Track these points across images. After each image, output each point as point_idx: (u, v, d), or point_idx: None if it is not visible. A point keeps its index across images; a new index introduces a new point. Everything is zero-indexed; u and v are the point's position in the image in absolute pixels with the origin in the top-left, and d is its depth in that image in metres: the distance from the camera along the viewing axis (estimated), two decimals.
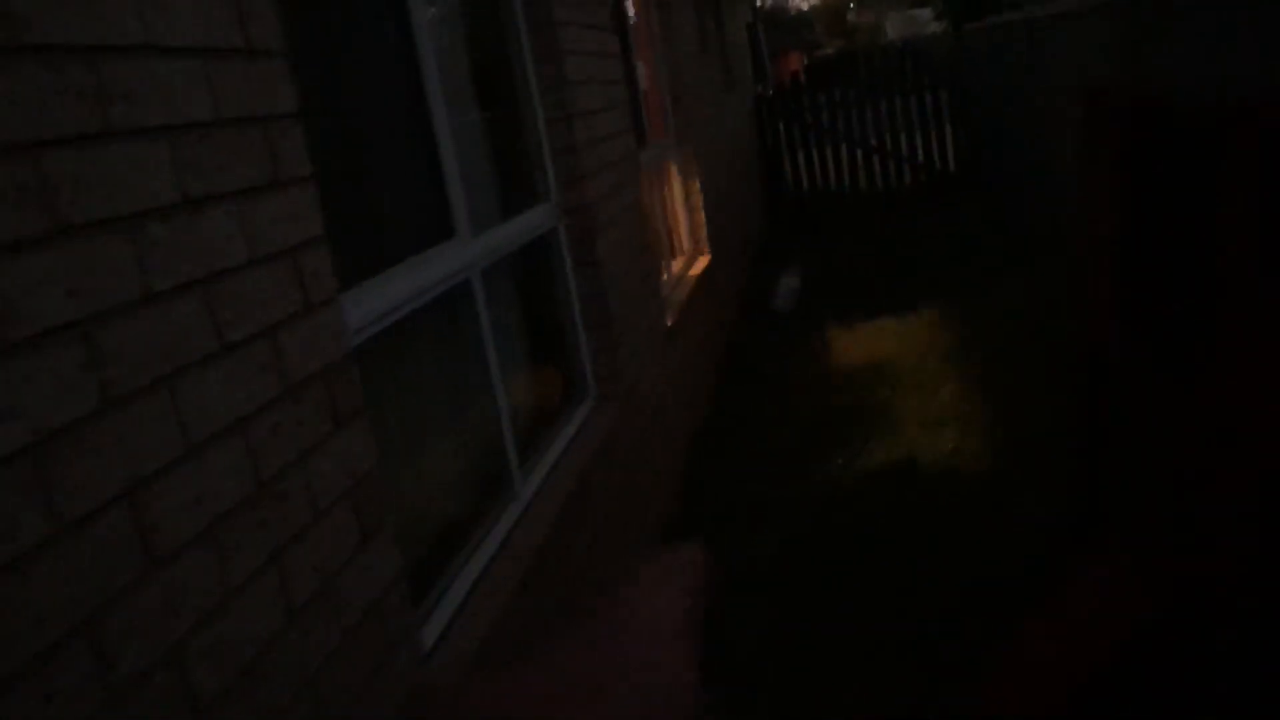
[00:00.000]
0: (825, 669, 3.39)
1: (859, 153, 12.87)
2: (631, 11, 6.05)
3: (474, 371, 3.01)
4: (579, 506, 3.30)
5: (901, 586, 3.80)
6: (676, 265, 6.50)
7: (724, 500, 4.88)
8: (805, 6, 54.60)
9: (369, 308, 2.29)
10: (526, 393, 3.49)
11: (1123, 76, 5.73)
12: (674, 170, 6.74)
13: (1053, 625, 2.75)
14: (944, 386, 5.84)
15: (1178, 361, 2.35)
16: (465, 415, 3.00)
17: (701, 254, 7.04)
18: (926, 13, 30.93)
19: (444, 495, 2.82)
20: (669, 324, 5.28)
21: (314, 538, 1.73)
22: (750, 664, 3.50)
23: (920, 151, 12.76)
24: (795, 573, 4.08)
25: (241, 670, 1.50)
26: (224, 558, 1.49)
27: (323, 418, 1.81)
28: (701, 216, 7.06)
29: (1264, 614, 2.07)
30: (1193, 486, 2.26)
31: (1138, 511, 2.99)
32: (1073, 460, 3.58)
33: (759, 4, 16.83)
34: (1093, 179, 2.95)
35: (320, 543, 1.75)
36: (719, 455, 5.44)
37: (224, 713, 1.45)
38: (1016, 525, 4.05)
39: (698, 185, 7.01)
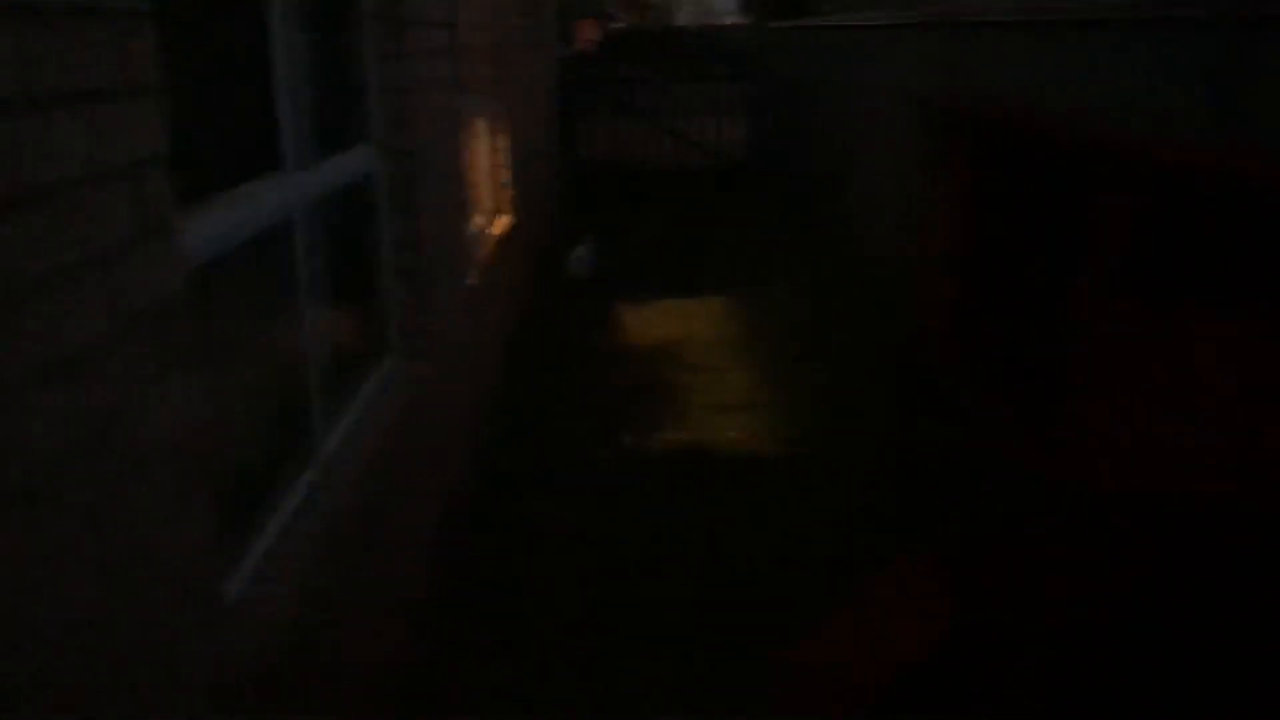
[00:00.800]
0: (614, 660, 3.37)
1: (654, 130, 12.97)
2: None
3: (284, 318, 2.78)
4: (384, 463, 3.14)
5: (694, 576, 3.83)
6: (480, 223, 6.31)
7: (516, 469, 4.78)
8: None
9: (195, 239, 2.05)
10: (335, 343, 3.28)
11: (941, 88, 5.97)
12: (484, 126, 6.54)
13: (855, 624, 2.81)
14: (732, 372, 5.95)
15: (1020, 371, 2.44)
16: (273, 365, 2.77)
17: (504, 213, 6.88)
18: (727, 1, 31.57)
19: (247, 448, 2.60)
20: (472, 282, 5.12)
21: (134, 494, 1.53)
22: (544, 641, 3.43)
23: (715, 137, 12.99)
24: (581, 557, 4.04)
25: (43, 642, 1.30)
26: (34, 513, 1.29)
27: (155, 360, 1.60)
28: (507, 175, 6.89)
29: (1081, 622, 2.18)
30: (1025, 495, 2.36)
31: (956, 512, 3.10)
32: (888, 455, 3.69)
33: None
34: (937, 189, 3.02)
35: (139, 500, 1.55)
36: (514, 421, 5.33)
37: (25, 689, 1.25)
38: (816, 518, 4.16)
39: (506, 144, 6.84)
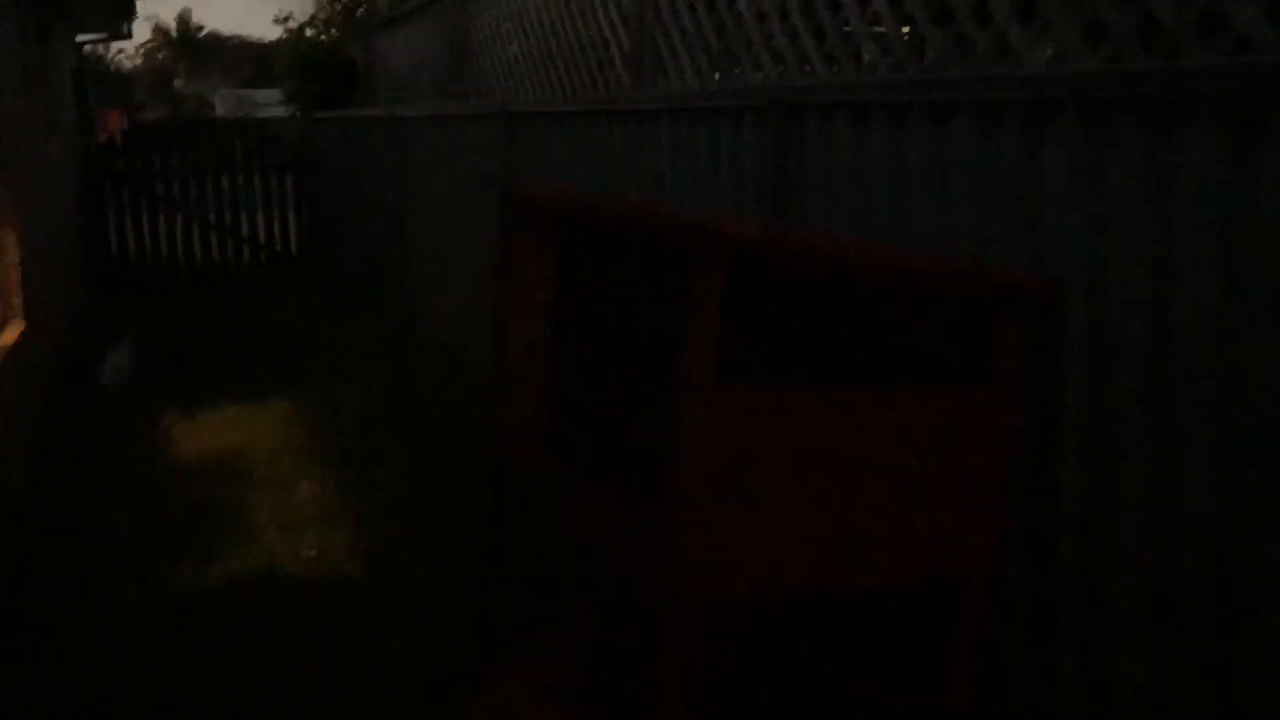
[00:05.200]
0: None
1: (196, 226, 12.08)
2: None
3: None
4: None
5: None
6: None
7: (51, 613, 3.99)
8: (128, 65, 51.34)
9: None
10: None
11: (505, 174, 5.91)
12: None
13: None
14: (302, 483, 5.44)
15: (615, 464, 2.28)
16: None
17: (13, 319, 5.92)
18: (267, 93, 30.56)
19: None
20: None
21: None
22: None
23: (263, 231, 12.33)
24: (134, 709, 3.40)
25: None
26: None
27: None
28: (15, 276, 5.95)
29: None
30: (626, 596, 2.19)
31: (555, 616, 2.89)
32: (475, 571, 3.42)
33: (85, 53, 15.26)
34: (517, 277, 2.85)
35: None
36: (41, 562, 4.48)
37: None
38: (398, 641, 3.78)
39: (13, 239, 5.92)
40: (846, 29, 3.68)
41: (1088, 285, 2.34)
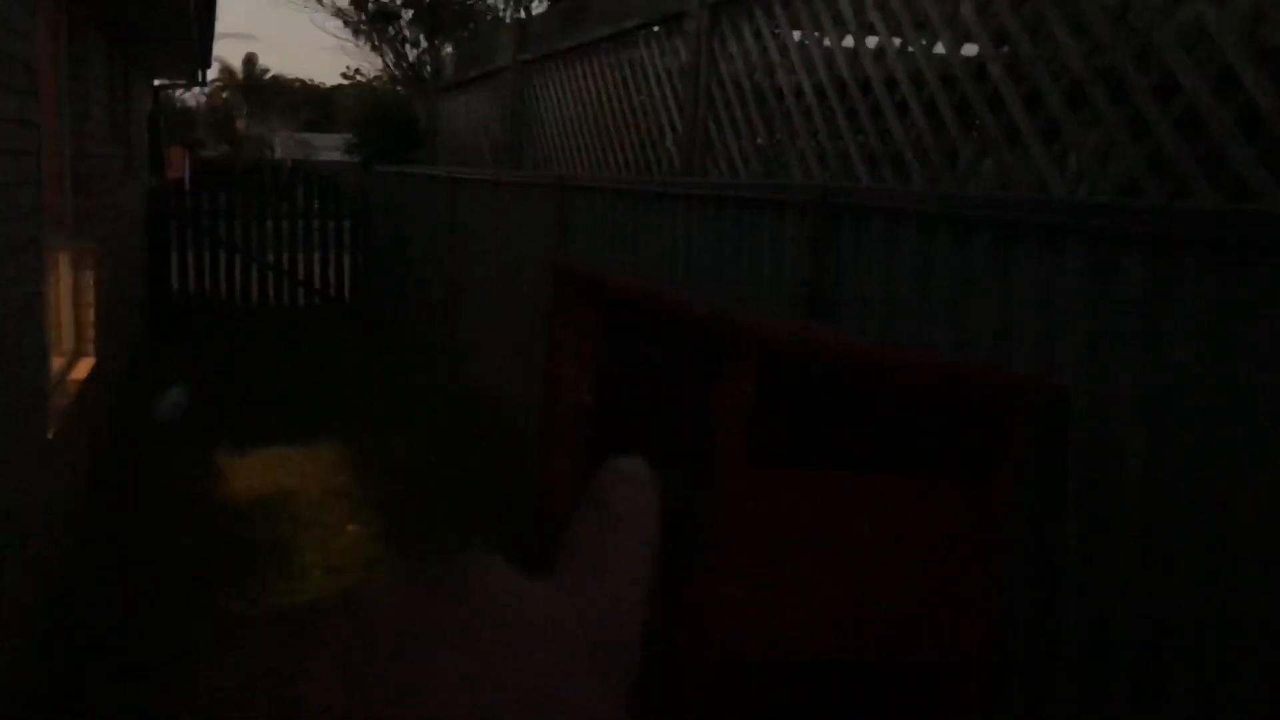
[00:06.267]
0: None
1: (255, 268, 12.48)
2: (42, 82, 5.33)
3: None
4: None
5: None
6: (57, 366, 5.68)
7: (107, 647, 4.23)
8: (190, 103, 52.75)
9: None
10: None
11: (556, 246, 6.19)
12: (66, 260, 5.96)
13: None
14: (347, 526, 5.69)
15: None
16: None
17: (85, 355, 6.25)
18: (327, 138, 31.34)
19: None
20: (50, 435, 4.56)
21: None
22: None
23: (318, 275, 12.70)
24: None
25: None
26: None
27: None
28: (91, 314, 6.29)
29: None
30: (660, 660, 2.39)
31: None
32: None
33: (160, 96, 15.88)
34: (564, 349, 3.09)
35: None
36: (97, 592, 4.74)
37: None
38: None
39: (92, 279, 6.27)
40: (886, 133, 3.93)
41: (1089, 391, 2.56)
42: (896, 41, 3.88)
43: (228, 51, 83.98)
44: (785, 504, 2.27)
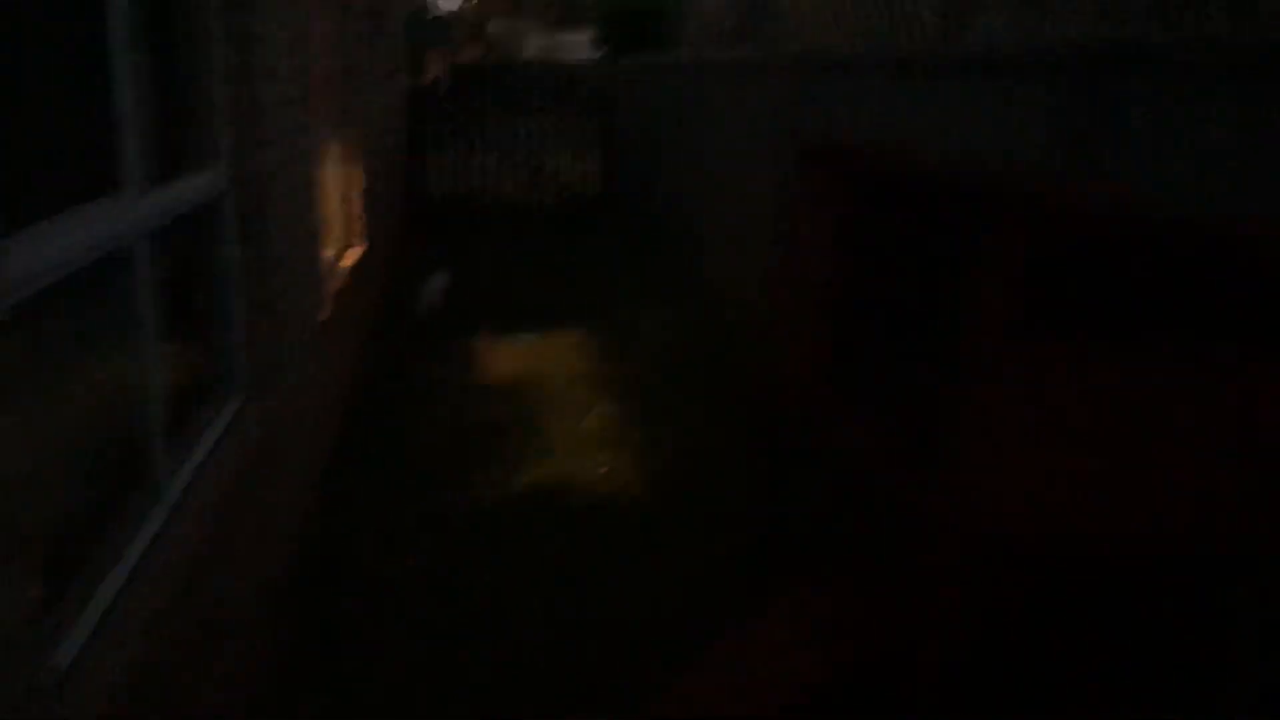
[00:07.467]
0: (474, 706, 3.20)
1: (507, 163, 12.85)
2: None
3: (122, 354, 2.55)
4: (236, 508, 2.91)
5: (562, 619, 3.69)
6: (331, 253, 6.06)
7: (367, 514, 4.55)
8: (444, 10, 54.29)
9: (23, 265, 1.84)
10: (179, 381, 3.04)
11: (800, 126, 6.03)
12: (335, 153, 6.31)
13: (729, 670, 2.73)
14: (593, 407, 5.85)
15: (896, 409, 2.40)
16: (111, 405, 2.53)
17: (355, 244, 6.63)
18: (577, 37, 31.65)
19: (78, 497, 2.35)
20: (324, 316, 4.88)
21: None
22: (397, 677, 3.24)
23: (565, 171, 12.95)
24: (440, 597, 3.86)
25: None
26: None
27: None
28: (360, 204, 6.66)
29: (971, 664, 2.15)
30: (901, 535, 2.33)
31: (833, 554, 3.06)
32: (753, 499, 3.63)
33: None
34: (805, 225, 3.00)
35: None
36: (363, 463, 5.09)
37: None
38: (681, 559, 4.07)
39: (358, 172, 6.61)
40: None
41: None
42: None
43: None
44: (1054, 373, 2.12)
